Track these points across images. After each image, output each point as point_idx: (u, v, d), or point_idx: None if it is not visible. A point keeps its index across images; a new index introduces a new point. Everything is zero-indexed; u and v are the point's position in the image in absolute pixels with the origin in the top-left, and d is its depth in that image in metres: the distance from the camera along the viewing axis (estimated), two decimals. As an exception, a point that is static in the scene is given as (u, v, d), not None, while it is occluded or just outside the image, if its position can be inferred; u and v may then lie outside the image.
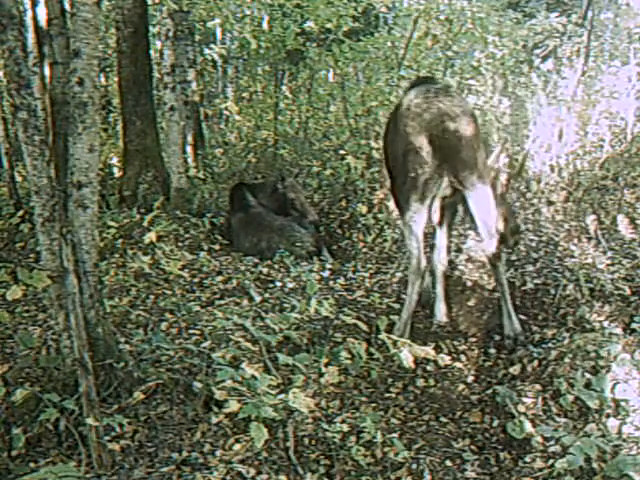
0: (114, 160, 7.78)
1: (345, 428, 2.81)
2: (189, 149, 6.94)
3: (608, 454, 2.60)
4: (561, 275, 4.13)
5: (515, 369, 3.39)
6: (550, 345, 3.47)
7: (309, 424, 2.86)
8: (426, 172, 3.41)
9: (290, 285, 4.63)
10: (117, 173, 7.39)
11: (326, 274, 4.89)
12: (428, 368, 3.51)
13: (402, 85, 6.60)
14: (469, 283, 4.31)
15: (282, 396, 2.72)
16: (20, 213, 5.76)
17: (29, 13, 3.52)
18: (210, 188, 6.55)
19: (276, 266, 5.10)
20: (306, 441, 2.79)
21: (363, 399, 3.21)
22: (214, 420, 2.82)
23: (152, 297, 4.33)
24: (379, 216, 5.57)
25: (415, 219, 3.49)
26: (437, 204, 3.73)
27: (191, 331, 3.74)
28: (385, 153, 3.94)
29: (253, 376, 2.77)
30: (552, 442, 2.78)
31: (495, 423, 3.05)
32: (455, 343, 3.76)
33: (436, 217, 3.90)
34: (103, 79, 9.95)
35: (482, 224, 3.50)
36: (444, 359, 3.26)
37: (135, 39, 6.24)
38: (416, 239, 3.52)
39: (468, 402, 3.28)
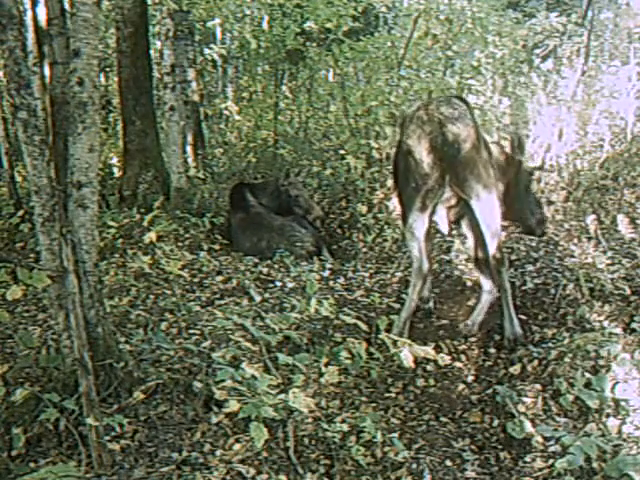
0: (114, 160, 7.78)
1: (345, 428, 2.81)
2: (189, 149, 6.95)
3: (608, 454, 2.60)
4: (561, 275, 4.13)
5: (515, 369, 3.39)
6: (550, 345, 3.48)
7: (309, 424, 2.86)
8: (427, 183, 3.44)
9: (290, 285, 4.63)
10: (117, 173, 7.39)
11: (326, 274, 4.89)
12: (428, 368, 3.51)
13: (402, 85, 6.60)
14: (469, 283, 4.32)
15: (282, 396, 2.72)
16: (20, 213, 5.76)
17: (29, 13, 3.52)
18: (210, 188, 6.55)
19: (276, 266, 5.10)
20: (306, 441, 2.80)
21: (363, 399, 3.21)
22: (214, 420, 2.82)
23: (152, 297, 4.33)
24: (379, 216, 5.56)
25: (416, 226, 3.54)
26: (443, 213, 3.77)
27: (191, 331, 3.74)
28: (395, 164, 3.94)
29: (253, 376, 2.77)
30: (552, 442, 2.78)
31: (495, 423, 3.05)
32: (455, 343, 3.76)
33: (446, 228, 3.91)
34: (103, 79, 9.95)
35: (486, 228, 3.52)
36: (444, 359, 3.26)
37: (135, 39, 6.23)
38: (417, 243, 3.56)
39: (468, 402, 3.28)
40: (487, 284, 3.89)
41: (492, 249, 3.55)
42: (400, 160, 3.67)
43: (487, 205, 3.45)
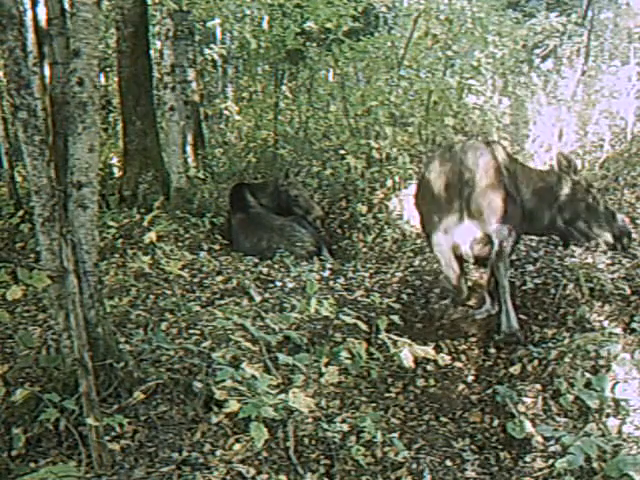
0: (114, 160, 7.78)
1: (345, 428, 2.81)
2: (189, 149, 6.94)
3: (608, 454, 2.60)
4: (561, 275, 4.14)
5: (515, 369, 3.39)
6: (550, 345, 3.48)
7: (309, 424, 2.86)
8: (446, 216, 3.70)
9: (290, 285, 4.63)
10: (117, 173, 7.39)
11: (326, 274, 4.89)
12: (428, 368, 3.51)
13: (402, 85, 6.60)
14: (469, 283, 4.32)
15: (282, 396, 2.72)
16: (20, 213, 5.76)
17: (29, 13, 3.51)
18: (210, 188, 6.54)
19: (276, 266, 5.10)
20: (306, 441, 2.80)
21: (363, 399, 3.21)
22: (214, 420, 2.82)
23: (152, 297, 4.33)
24: (379, 216, 5.56)
25: (439, 242, 3.82)
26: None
27: (191, 331, 3.74)
28: (416, 195, 4.16)
29: (253, 376, 2.77)
30: (552, 442, 2.78)
31: (495, 423, 3.05)
32: (455, 343, 3.76)
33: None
34: (103, 79, 9.94)
35: (496, 239, 3.67)
36: (444, 359, 3.26)
37: (135, 39, 6.23)
38: (445, 255, 3.85)
39: (468, 402, 3.28)
40: (488, 302, 4.00)
41: (496, 245, 3.67)
42: (421, 193, 3.98)
43: (502, 232, 3.62)
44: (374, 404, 3.20)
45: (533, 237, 4.75)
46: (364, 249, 5.38)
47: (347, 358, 3.25)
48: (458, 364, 3.59)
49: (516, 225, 3.69)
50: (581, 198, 3.80)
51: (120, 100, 6.62)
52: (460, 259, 3.89)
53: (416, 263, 4.84)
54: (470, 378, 3.49)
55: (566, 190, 3.80)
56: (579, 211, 3.82)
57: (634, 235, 4.66)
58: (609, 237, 3.84)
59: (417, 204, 4.12)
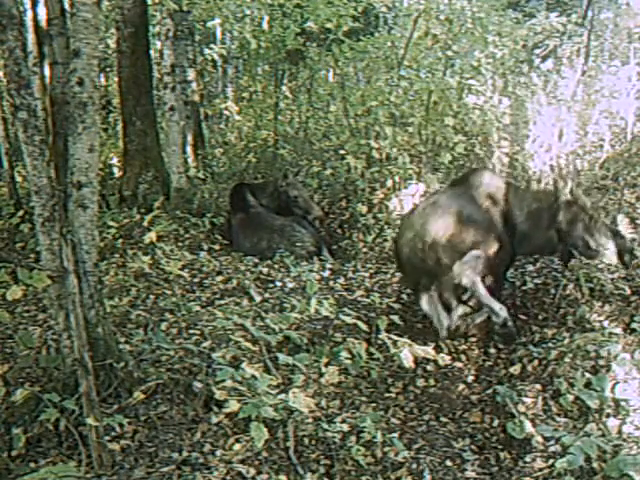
0: (114, 160, 7.78)
1: (345, 428, 2.81)
2: (189, 149, 6.94)
3: (608, 454, 2.60)
4: (561, 275, 4.13)
5: (515, 369, 3.39)
6: (550, 345, 3.47)
7: (309, 424, 2.86)
8: (419, 280, 3.80)
9: (290, 285, 4.63)
10: (117, 173, 7.39)
11: (326, 274, 4.89)
12: (428, 368, 3.51)
13: (402, 85, 6.60)
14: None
15: (282, 396, 2.72)
16: (20, 213, 5.77)
17: (29, 13, 3.52)
18: (210, 188, 6.54)
19: (276, 266, 5.10)
20: (306, 441, 2.80)
21: (363, 399, 3.21)
22: (214, 420, 2.82)
23: (152, 297, 4.33)
24: (379, 216, 5.56)
25: (424, 302, 3.87)
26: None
27: (191, 331, 3.74)
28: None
29: (253, 376, 2.77)
30: (552, 442, 2.78)
31: (495, 423, 3.05)
32: (455, 343, 3.76)
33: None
34: (103, 79, 9.95)
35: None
36: (444, 359, 3.26)
37: (135, 39, 6.24)
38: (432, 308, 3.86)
39: (468, 402, 3.28)
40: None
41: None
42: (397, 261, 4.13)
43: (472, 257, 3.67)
44: (374, 404, 3.20)
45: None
46: (364, 249, 5.38)
47: (347, 358, 3.25)
48: (458, 364, 3.60)
49: (502, 256, 3.73)
50: (578, 218, 3.75)
51: (120, 100, 6.63)
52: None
53: (416, 263, 4.84)
54: (470, 378, 3.49)
55: (562, 211, 3.76)
56: (577, 231, 3.77)
57: (634, 235, 4.67)
58: (609, 254, 3.78)
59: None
